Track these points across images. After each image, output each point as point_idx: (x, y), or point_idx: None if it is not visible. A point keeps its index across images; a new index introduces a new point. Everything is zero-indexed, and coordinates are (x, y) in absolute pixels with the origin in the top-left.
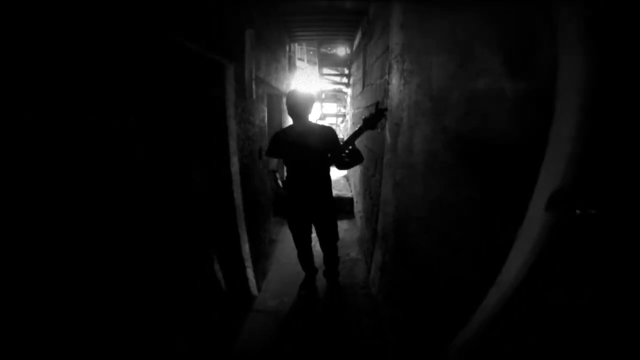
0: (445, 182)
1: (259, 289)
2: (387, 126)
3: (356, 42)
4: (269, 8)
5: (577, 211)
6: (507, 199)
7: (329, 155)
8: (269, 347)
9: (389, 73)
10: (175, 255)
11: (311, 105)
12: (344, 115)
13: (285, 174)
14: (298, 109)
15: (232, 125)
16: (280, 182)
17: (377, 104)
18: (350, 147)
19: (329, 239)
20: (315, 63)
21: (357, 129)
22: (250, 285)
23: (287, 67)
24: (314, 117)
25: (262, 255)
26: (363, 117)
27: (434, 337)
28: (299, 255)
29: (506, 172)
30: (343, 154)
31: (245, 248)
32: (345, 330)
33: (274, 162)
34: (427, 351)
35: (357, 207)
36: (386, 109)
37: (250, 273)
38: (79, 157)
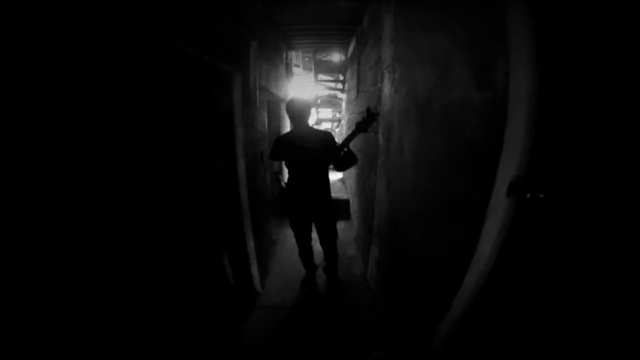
0: (429, 178)
1: (262, 286)
2: (380, 130)
3: (350, 49)
4: (269, 19)
5: (527, 195)
6: (479, 190)
7: (328, 157)
8: (274, 342)
9: (382, 81)
10: (193, 248)
11: (309, 111)
12: (339, 120)
13: (287, 176)
14: (297, 115)
15: (239, 130)
16: (282, 184)
17: (368, 108)
18: (346, 149)
19: (329, 236)
20: (311, 69)
21: (350, 132)
22: (254, 282)
23: (284, 74)
24: (311, 122)
25: (264, 253)
26: (356, 121)
27: (426, 323)
28: (300, 253)
29: (478, 167)
30: (340, 156)
31: (251, 245)
32: (346, 326)
33: (276, 165)
34: (421, 339)
35: (353, 208)
36: (377, 113)
37: (254, 270)
38: (97, 154)
